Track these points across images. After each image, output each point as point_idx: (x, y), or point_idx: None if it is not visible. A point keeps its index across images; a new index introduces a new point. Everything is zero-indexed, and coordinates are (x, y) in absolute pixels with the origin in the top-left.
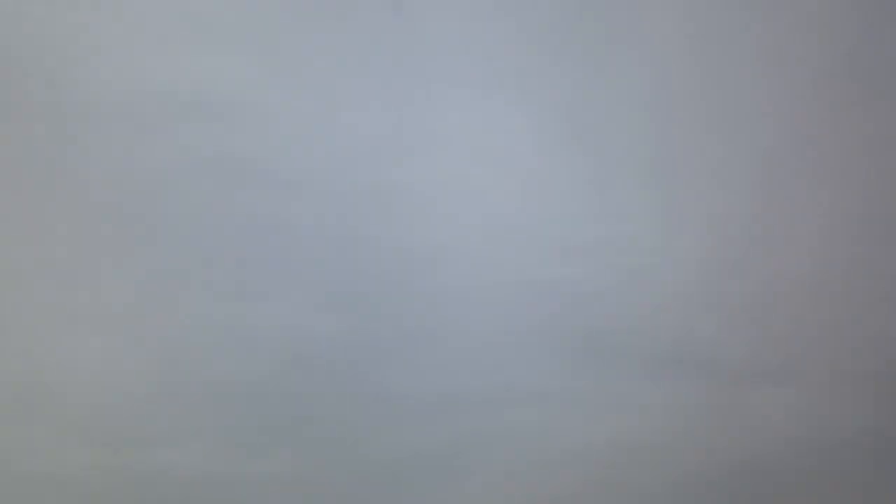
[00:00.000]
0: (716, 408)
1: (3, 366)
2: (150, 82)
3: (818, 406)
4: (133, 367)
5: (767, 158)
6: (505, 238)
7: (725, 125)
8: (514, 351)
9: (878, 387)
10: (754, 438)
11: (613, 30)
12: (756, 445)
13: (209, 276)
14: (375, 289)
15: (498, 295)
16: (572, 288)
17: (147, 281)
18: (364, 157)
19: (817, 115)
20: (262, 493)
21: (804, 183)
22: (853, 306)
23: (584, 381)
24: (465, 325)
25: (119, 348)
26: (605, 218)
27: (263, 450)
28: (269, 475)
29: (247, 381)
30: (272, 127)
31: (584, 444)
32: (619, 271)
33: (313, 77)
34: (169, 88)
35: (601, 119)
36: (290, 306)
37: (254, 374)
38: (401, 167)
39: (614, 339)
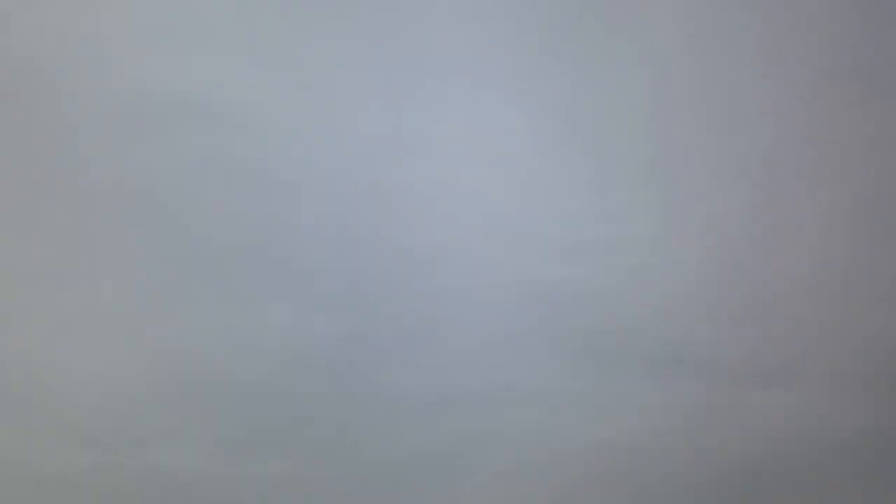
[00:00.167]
0: (715, 408)
1: (2, 366)
2: (149, 84)
3: (818, 406)
4: (132, 367)
5: (767, 158)
6: (505, 238)
7: (725, 125)
8: (514, 351)
9: (878, 387)
10: (754, 438)
11: (613, 30)
12: (756, 446)
13: (209, 277)
14: (375, 289)
15: (497, 295)
16: (572, 288)
17: (146, 282)
18: (364, 158)
19: (817, 115)
20: (261, 494)
21: (804, 183)
22: (853, 307)
23: (583, 381)
24: (465, 326)
25: (118, 349)
26: (604, 218)
27: (263, 450)
28: (269, 476)
29: (246, 382)
30: (272, 128)
31: (583, 445)
32: (619, 271)
33: (313, 78)
34: (168, 90)
35: (601, 119)
36: (290, 306)
37: (253, 374)
38: (400, 167)
39: (614, 339)
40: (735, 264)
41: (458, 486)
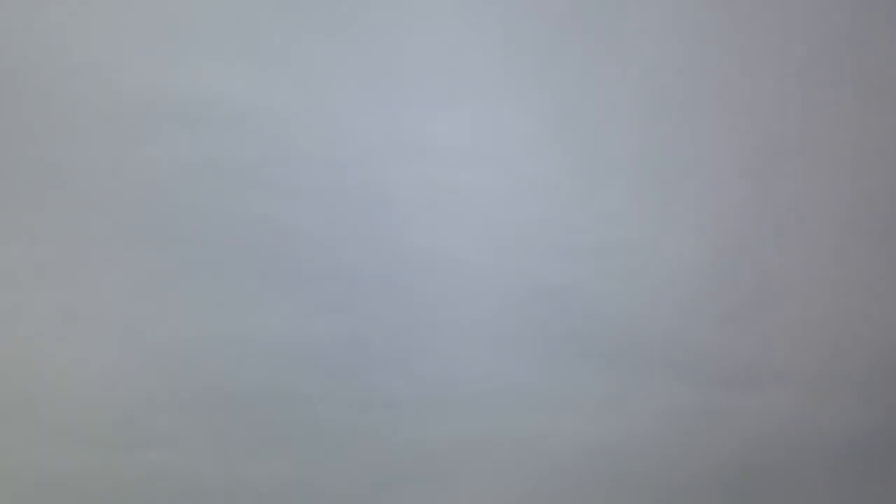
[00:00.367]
0: (709, 409)
1: None
2: (146, 86)
3: (811, 408)
4: (128, 370)
5: (763, 160)
6: (500, 241)
7: (720, 127)
8: (509, 353)
9: (872, 389)
10: (747, 440)
11: (608, 34)
12: (749, 447)
13: (206, 280)
14: (372, 292)
15: (493, 298)
16: (566, 290)
17: (142, 285)
18: (360, 161)
19: (812, 117)
20: (259, 496)
21: (799, 185)
22: (846, 308)
23: (578, 383)
24: (461, 328)
25: (116, 351)
26: (598, 221)
27: (259, 453)
28: (265, 478)
29: (244, 384)
30: (270, 131)
31: (576, 447)
32: (614, 274)
33: (310, 81)
34: (165, 92)
35: (596, 122)
36: (287, 309)
37: (251, 376)
38: (396, 171)
39: (608, 341)
40: (729, 266)
41: (454, 487)
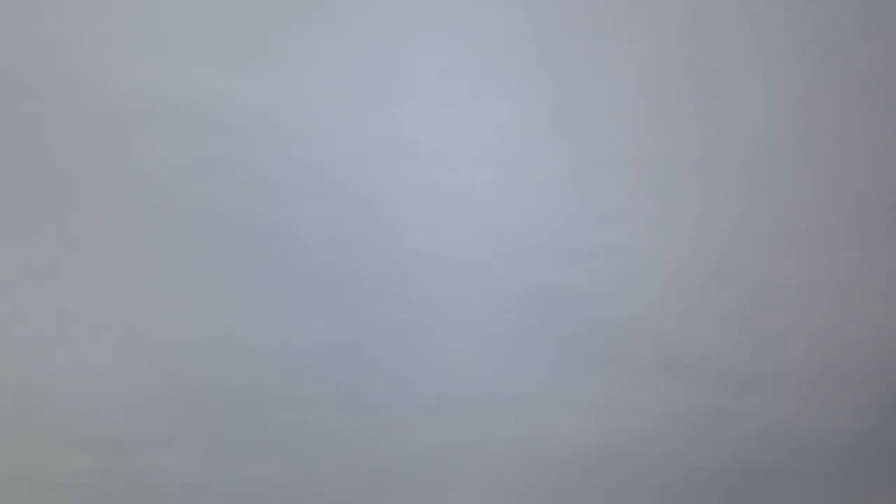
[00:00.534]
0: (706, 410)
1: None
2: (142, 87)
3: (807, 408)
4: (125, 371)
5: (761, 161)
6: (498, 243)
7: (718, 128)
8: (506, 356)
9: (871, 391)
10: (744, 440)
11: (606, 34)
12: (746, 447)
13: (203, 282)
14: (368, 294)
15: (490, 299)
16: (564, 292)
17: (140, 287)
18: (356, 162)
19: (811, 117)
20: (254, 497)
21: (796, 186)
22: (843, 309)
23: (574, 385)
24: (458, 330)
25: (113, 353)
26: (596, 222)
27: (255, 454)
28: (261, 479)
29: (239, 385)
30: (267, 132)
31: (574, 448)
32: (611, 276)
33: (307, 82)
34: (161, 93)
35: (594, 123)
36: (282, 312)
37: (246, 378)
38: (392, 172)
39: (605, 342)
40: (728, 268)
41: (451, 488)
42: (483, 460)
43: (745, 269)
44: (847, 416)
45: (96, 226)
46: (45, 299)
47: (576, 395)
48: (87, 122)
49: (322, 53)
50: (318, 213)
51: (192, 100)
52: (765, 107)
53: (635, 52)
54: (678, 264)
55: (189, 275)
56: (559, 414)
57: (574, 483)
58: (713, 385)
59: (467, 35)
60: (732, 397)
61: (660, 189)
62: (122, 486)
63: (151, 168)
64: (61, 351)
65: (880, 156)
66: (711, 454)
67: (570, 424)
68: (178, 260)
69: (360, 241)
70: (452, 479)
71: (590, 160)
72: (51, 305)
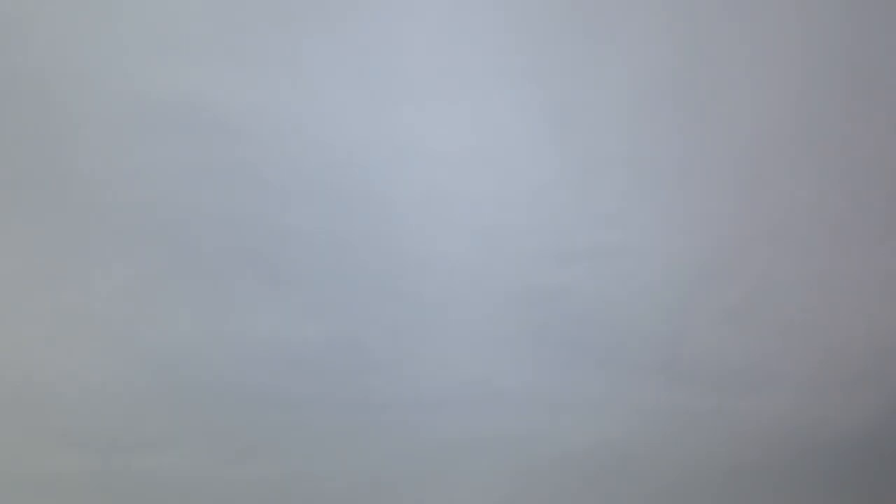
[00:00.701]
0: (705, 411)
1: None
2: (142, 90)
3: (805, 410)
4: (124, 371)
5: (759, 161)
6: (494, 243)
7: (715, 129)
8: (504, 357)
9: (866, 391)
10: (743, 441)
11: (603, 36)
12: (744, 448)
13: (200, 283)
14: (366, 294)
15: (488, 300)
16: (560, 293)
17: (138, 287)
18: (353, 162)
19: (810, 117)
20: (253, 498)
21: (796, 185)
22: (841, 311)
23: (570, 385)
24: (456, 331)
25: (110, 353)
26: (592, 223)
27: (254, 455)
28: (260, 480)
29: (237, 386)
30: (265, 133)
31: (571, 448)
32: (607, 276)
33: (305, 83)
34: (160, 95)
35: (592, 125)
36: (280, 312)
37: (244, 378)
38: (389, 173)
39: (603, 343)
40: (724, 268)
41: (449, 487)
42: (482, 460)
43: (743, 269)
44: (846, 417)
45: (95, 226)
46: (44, 299)
47: (572, 395)
48: (87, 123)
49: (321, 54)
50: (317, 213)
51: (190, 100)
52: (762, 107)
53: (632, 53)
54: (676, 265)
55: (189, 275)
56: (556, 413)
57: (571, 481)
58: (711, 385)
59: (465, 37)
60: (731, 397)
61: (658, 190)
62: (121, 486)
63: (151, 169)
64: (60, 351)
65: (878, 155)
66: (709, 454)
67: (567, 423)
68: (177, 260)
69: (360, 242)
70: (451, 480)
71: (588, 161)
72: (50, 306)
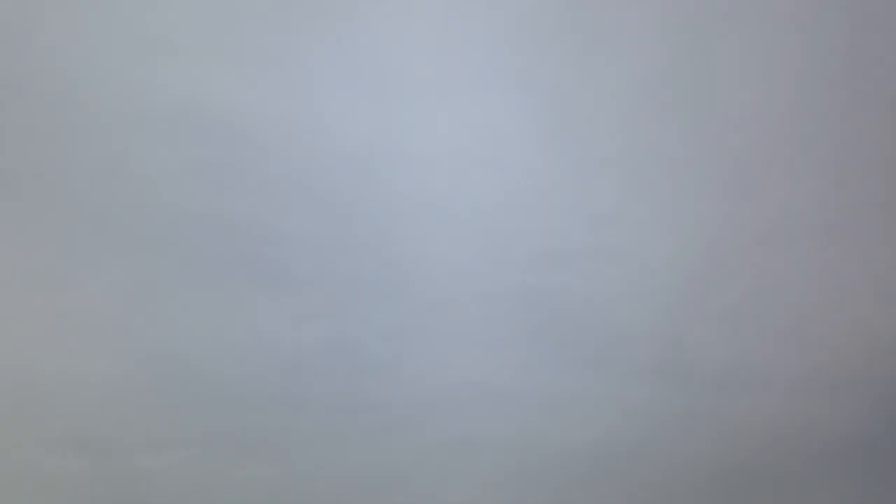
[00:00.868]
0: (699, 413)
1: None
2: (141, 92)
3: (801, 411)
4: (123, 373)
5: (752, 163)
6: (489, 245)
7: (712, 130)
8: (501, 358)
9: (861, 392)
10: (737, 443)
11: (601, 37)
12: (741, 449)
13: (198, 285)
14: (365, 296)
15: (486, 302)
16: (555, 294)
17: (136, 289)
18: (350, 165)
19: (805, 118)
20: (251, 499)
21: (793, 187)
22: (837, 311)
23: (566, 386)
24: (454, 332)
25: (109, 353)
26: (587, 224)
27: (252, 456)
28: (258, 481)
29: (236, 387)
30: (264, 136)
31: (567, 449)
32: (602, 277)
33: (304, 86)
34: (157, 96)
35: (588, 125)
36: (278, 314)
37: (243, 380)
38: (385, 175)
39: (600, 344)
40: (719, 269)
41: (445, 488)
42: (479, 462)
43: (739, 270)
44: (842, 417)
45: (93, 228)
46: (43, 300)
47: (571, 397)
48: (83, 126)
49: (318, 57)
50: (314, 215)
51: (187, 103)
52: (758, 109)
53: (627, 54)
54: (673, 266)
55: (187, 277)
56: (552, 414)
57: (567, 481)
58: (707, 386)
59: (462, 39)
60: (726, 398)
61: (653, 191)
62: (120, 487)
63: (149, 170)
64: (59, 352)
65: (875, 156)
66: (705, 454)
67: (563, 424)
68: (175, 262)
69: (357, 244)
70: (450, 480)
71: (584, 162)
72: (49, 307)
